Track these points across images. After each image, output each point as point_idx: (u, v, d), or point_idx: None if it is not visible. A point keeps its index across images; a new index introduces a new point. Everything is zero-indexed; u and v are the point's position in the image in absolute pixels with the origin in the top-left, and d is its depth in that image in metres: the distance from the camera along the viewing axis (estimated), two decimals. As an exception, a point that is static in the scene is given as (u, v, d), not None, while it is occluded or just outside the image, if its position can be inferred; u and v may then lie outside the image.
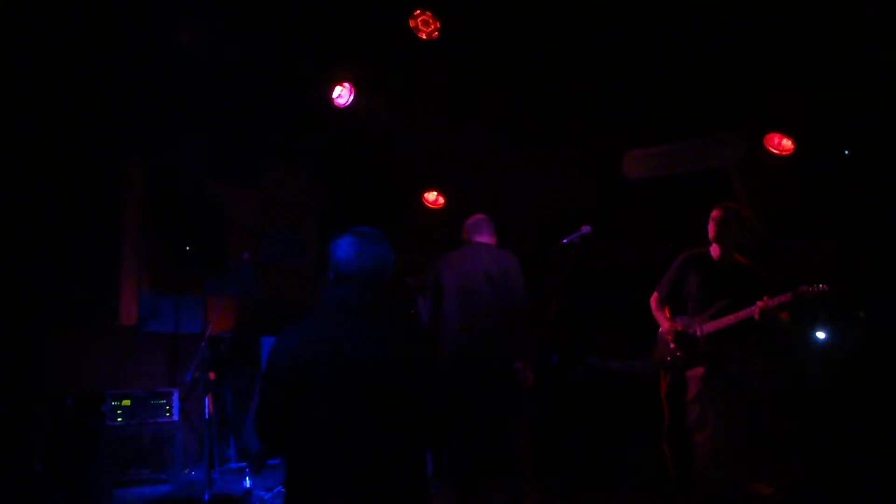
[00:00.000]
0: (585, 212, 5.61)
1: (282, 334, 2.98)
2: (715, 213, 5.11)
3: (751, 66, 6.04)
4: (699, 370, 5.04)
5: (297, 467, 2.86)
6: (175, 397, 6.44)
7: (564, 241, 5.10)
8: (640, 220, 7.10)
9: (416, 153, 7.89)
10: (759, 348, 5.10)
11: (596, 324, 7.23)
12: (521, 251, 5.34)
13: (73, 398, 6.04)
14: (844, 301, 5.64)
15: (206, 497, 5.83)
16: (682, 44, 6.14)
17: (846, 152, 6.34)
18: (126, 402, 6.23)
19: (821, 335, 6.14)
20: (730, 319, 4.92)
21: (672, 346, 5.19)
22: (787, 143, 6.29)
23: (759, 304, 4.73)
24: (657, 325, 5.37)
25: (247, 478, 6.30)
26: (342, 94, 6.99)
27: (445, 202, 8.42)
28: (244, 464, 6.80)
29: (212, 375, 6.35)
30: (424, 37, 6.32)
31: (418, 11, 6.24)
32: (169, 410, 6.39)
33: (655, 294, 5.41)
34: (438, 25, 6.27)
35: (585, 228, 5.06)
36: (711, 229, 5.11)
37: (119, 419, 6.17)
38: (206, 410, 6.21)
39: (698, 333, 5.07)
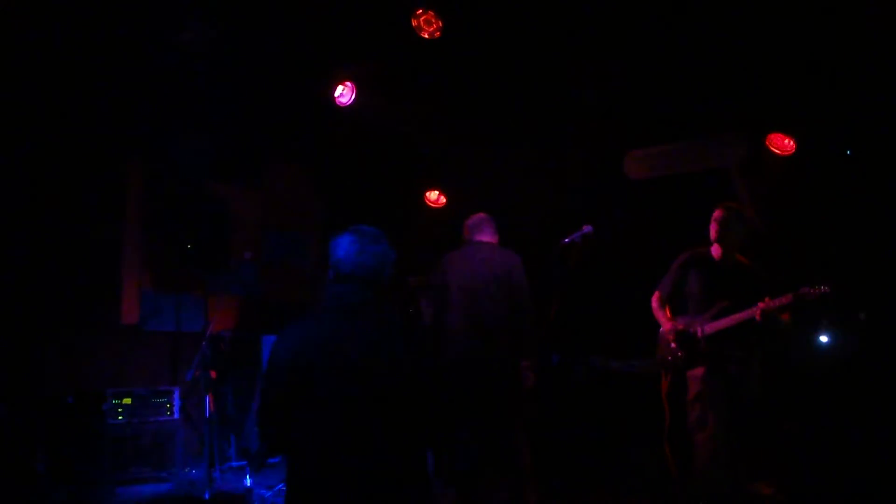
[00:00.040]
0: (586, 211, 5.61)
1: (282, 333, 2.98)
2: (717, 214, 5.11)
3: (753, 65, 6.04)
4: (700, 370, 5.04)
5: (298, 466, 2.86)
6: (176, 396, 6.45)
7: (565, 240, 5.10)
8: (641, 220, 7.10)
9: (417, 152, 7.89)
10: (760, 349, 5.09)
11: (597, 323, 7.23)
12: (522, 251, 5.35)
13: (74, 396, 6.05)
14: (845, 302, 5.63)
15: (207, 496, 5.84)
16: (683, 43, 6.14)
17: (848, 152, 6.33)
18: (127, 401, 6.24)
19: (824, 339, 6.13)
20: (731, 320, 4.92)
21: (673, 346, 5.19)
22: (789, 143, 6.29)
23: (761, 305, 4.72)
24: (658, 325, 5.37)
25: (247, 476, 6.30)
26: (344, 94, 6.99)
27: (447, 201, 8.41)
28: (245, 462, 6.81)
29: (213, 374, 6.36)
30: (426, 36, 6.31)
31: (420, 11, 6.24)
32: (170, 409, 6.40)
33: (657, 294, 5.41)
34: (440, 25, 6.26)
35: (587, 228, 5.06)
36: (713, 230, 5.11)
37: (120, 418, 6.18)
38: (207, 409, 6.22)
39: (699, 334, 5.07)
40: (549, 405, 6.50)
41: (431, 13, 6.25)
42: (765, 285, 4.87)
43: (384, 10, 6.32)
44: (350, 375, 2.81)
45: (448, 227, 6.60)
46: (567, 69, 6.58)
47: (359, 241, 3.01)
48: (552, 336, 5.54)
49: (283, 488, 5.24)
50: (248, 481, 6.24)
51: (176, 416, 6.40)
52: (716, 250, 5.16)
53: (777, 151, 6.35)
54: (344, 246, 3.01)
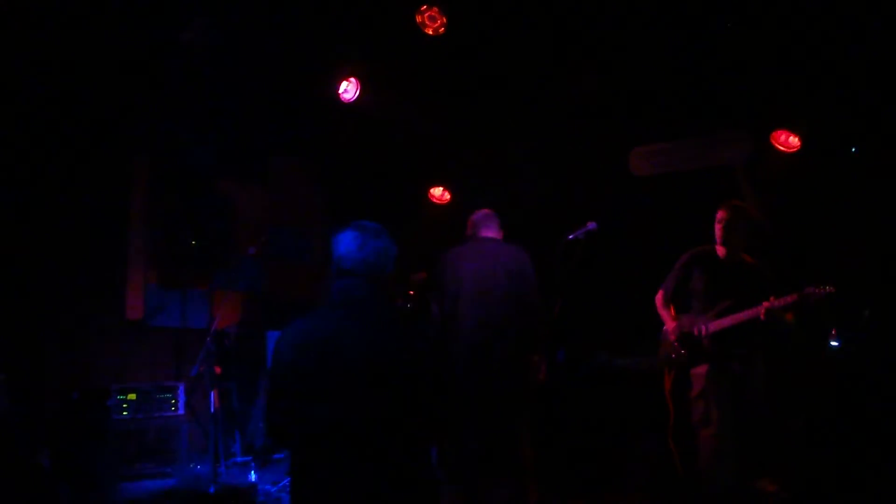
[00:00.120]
0: (591, 208, 5.61)
1: (286, 329, 2.99)
2: (720, 215, 5.08)
3: (758, 62, 6.03)
4: (703, 368, 5.04)
5: (303, 460, 2.87)
6: (181, 391, 6.46)
7: (570, 237, 5.11)
8: (645, 217, 7.09)
9: (422, 149, 7.89)
10: (763, 347, 5.09)
11: (601, 320, 7.22)
12: (527, 247, 5.34)
13: (78, 392, 6.06)
14: (851, 302, 5.62)
15: (212, 491, 5.85)
16: (688, 40, 6.13)
17: (853, 150, 6.31)
18: (132, 396, 6.25)
19: (834, 343, 6.11)
20: (734, 319, 4.92)
21: (675, 344, 5.20)
22: (794, 141, 6.27)
23: (765, 304, 4.72)
24: (662, 323, 5.37)
25: (252, 472, 6.33)
26: (348, 90, 6.98)
27: (451, 198, 8.41)
28: (249, 458, 6.83)
29: (217, 370, 6.37)
30: (431, 32, 6.31)
31: (425, 7, 6.23)
32: (174, 404, 6.41)
33: (661, 292, 5.40)
34: (445, 21, 6.26)
35: (591, 225, 5.06)
36: (718, 232, 5.09)
37: (125, 413, 6.19)
38: (212, 404, 6.23)
39: (703, 332, 5.06)
40: (554, 401, 6.50)
41: (436, 9, 6.25)
42: (769, 284, 4.87)
43: (388, 7, 6.32)
44: (354, 370, 2.82)
45: (452, 223, 6.60)
46: (572, 65, 6.58)
47: (360, 237, 3.02)
48: (557, 333, 5.54)
49: (288, 483, 5.26)
50: (253, 476, 6.26)
51: (181, 411, 6.42)
52: (720, 249, 5.15)
53: (782, 149, 6.34)
54: (346, 242, 3.02)
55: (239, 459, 7.01)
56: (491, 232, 5.40)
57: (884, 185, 5.95)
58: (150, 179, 7.16)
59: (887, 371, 5.70)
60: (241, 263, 7.48)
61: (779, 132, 6.32)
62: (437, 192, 8.44)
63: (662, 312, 5.36)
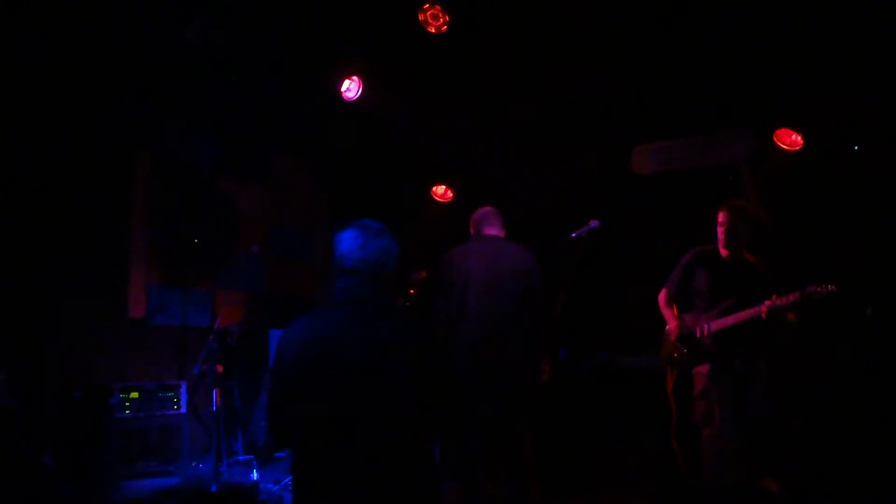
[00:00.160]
0: (593, 206, 5.60)
1: (288, 328, 2.99)
2: (721, 218, 5.05)
3: (761, 60, 6.02)
4: (705, 367, 5.03)
5: (305, 459, 2.87)
6: (183, 390, 6.46)
7: (572, 235, 5.11)
8: (648, 216, 7.09)
9: (424, 147, 7.88)
10: (766, 346, 5.08)
11: (603, 319, 7.22)
12: (530, 245, 5.33)
13: (81, 391, 6.05)
14: (853, 301, 5.61)
15: (214, 489, 5.85)
16: (691, 38, 6.12)
17: (856, 148, 6.31)
18: (134, 395, 6.25)
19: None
20: (736, 318, 4.91)
21: (678, 343, 5.19)
22: (797, 139, 6.27)
23: (767, 302, 4.71)
24: (665, 322, 5.36)
25: (254, 470, 6.32)
26: (350, 88, 6.99)
27: (454, 196, 8.41)
28: (252, 456, 6.83)
29: (220, 368, 6.37)
30: (433, 31, 6.31)
31: (427, 5, 6.23)
32: (177, 403, 6.41)
33: (664, 291, 5.40)
34: (447, 19, 6.26)
35: (594, 223, 5.06)
36: (720, 235, 5.07)
37: (127, 412, 6.19)
38: (214, 403, 6.23)
39: (705, 331, 5.06)
40: (556, 400, 6.50)
41: (438, 8, 6.25)
42: (772, 283, 4.86)
43: (391, 5, 6.32)
44: (355, 369, 2.82)
45: (455, 221, 6.60)
46: (574, 63, 6.57)
47: (362, 236, 3.01)
48: (559, 331, 5.53)
49: (290, 482, 5.25)
50: (255, 475, 6.26)
51: (183, 410, 6.41)
52: (723, 249, 5.14)
53: (784, 147, 6.33)
54: (347, 241, 3.02)
55: (241, 458, 7.01)
56: (494, 230, 5.40)
57: (886, 184, 5.95)
58: (151, 178, 7.16)
59: (889, 370, 5.70)
60: (243, 262, 7.48)
61: (782, 130, 6.32)
62: (439, 190, 8.44)
63: (665, 311, 5.36)
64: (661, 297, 5.40)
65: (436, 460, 5.81)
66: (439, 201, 8.44)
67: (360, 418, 2.79)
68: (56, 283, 6.41)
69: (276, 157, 8.33)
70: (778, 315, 4.69)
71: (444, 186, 8.42)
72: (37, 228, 6.27)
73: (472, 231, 5.44)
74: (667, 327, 5.33)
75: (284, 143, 8.23)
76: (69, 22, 5.95)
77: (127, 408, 6.19)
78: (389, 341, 2.89)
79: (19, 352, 6.01)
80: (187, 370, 6.84)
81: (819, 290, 4.59)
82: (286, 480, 5.97)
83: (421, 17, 6.27)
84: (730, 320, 4.94)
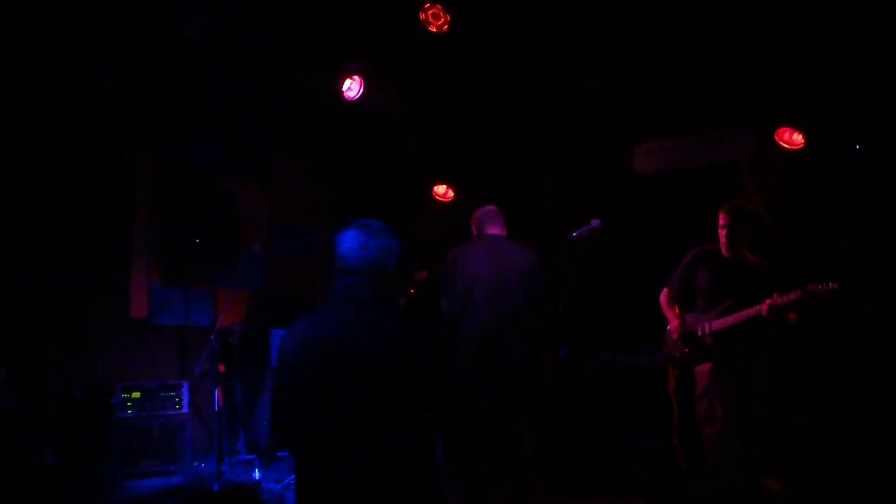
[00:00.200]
0: (595, 205, 5.60)
1: (290, 327, 3.00)
2: (722, 220, 5.04)
3: (762, 59, 6.02)
4: (706, 366, 5.03)
5: (307, 458, 2.87)
6: (185, 390, 6.46)
7: (574, 234, 5.10)
8: (649, 214, 7.09)
9: (425, 146, 7.89)
10: (767, 345, 5.08)
11: (605, 317, 7.22)
12: (531, 245, 5.33)
13: (83, 390, 6.07)
14: (855, 299, 5.61)
15: (216, 488, 5.86)
16: (693, 37, 6.12)
17: (857, 147, 6.31)
18: (136, 395, 6.25)
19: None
20: (738, 317, 4.90)
21: (680, 342, 5.19)
22: (798, 138, 6.26)
23: (768, 301, 4.71)
24: (667, 320, 5.36)
25: (256, 470, 6.33)
26: (352, 87, 7.00)
27: (455, 196, 8.41)
28: (253, 456, 6.84)
29: (221, 368, 6.38)
30: (434, 30, 6.32)
31: (428, 4, 6.24)
32: (179, 403, 6.41)
33: (665, 290, 5.39)
34: (448, 18, 6.26)
35: (595, 222, 5.05)
36: (721, 237, 5.06)
37: (129, 411, 6.19)
38: (216, 403, 6.24)
39: (707, 331, 5.06)
40: (558, 398, 6.50)
41: (439, 7, 6.25)
42: (773, 282, 4.85)
43: (392, 4, 6.32)
44: (357, 368, 2.82)
45: (456, 221, 6.61)
46: (575, 62, 6.57)
47: (363, 235, 3.01)
48: (561, 330, 5.53)
49: (292, 481, 5.26)
50: (257, 474, 6.27)
51: (185, 409, 6.42)
52: (725, 251, 5.13)
53: (786, 146, 6.33)
54: (348, 240, 3.02)
55: (243, 457, 7.02)
56: (496, 229, 5.38)
57: (888, 182, 5.94)
58: (153, 178, 7.17)
59: (891, 368, 5.70)
60: (245, 261, 7.48)
61: (783, 129, 6.32)
62: (440, 189, 8.44)
63: (667, 310, 5.35)
64: (663, 296, 5.40)
65: (438, 459, 5.81)
66: (440, 201, 8.44)
67: (361, 417, 2.80)
68: (57, 282, 6.42)
69: (277, 157, 8.34)
70: (779, 313, 4.69)
71: (445, 186, 8.42)
72: (38, 228, 6.28)
73: (473, 230, 5.43)
74: (668, 326, 5.33)
75: (286, 142, 8.24)
76: (70, 22, 5.95)
77: (129, 407, 6.19)
78: (390, 340, 2.89)
79: (20, 351, 6.02)
80: (189, 370, 6.86)
81: (820, 288, 4.58)
82: (288, 480, 5.98)
83: (422, 16, 6.27)
84: (731, 319, 4.94)
